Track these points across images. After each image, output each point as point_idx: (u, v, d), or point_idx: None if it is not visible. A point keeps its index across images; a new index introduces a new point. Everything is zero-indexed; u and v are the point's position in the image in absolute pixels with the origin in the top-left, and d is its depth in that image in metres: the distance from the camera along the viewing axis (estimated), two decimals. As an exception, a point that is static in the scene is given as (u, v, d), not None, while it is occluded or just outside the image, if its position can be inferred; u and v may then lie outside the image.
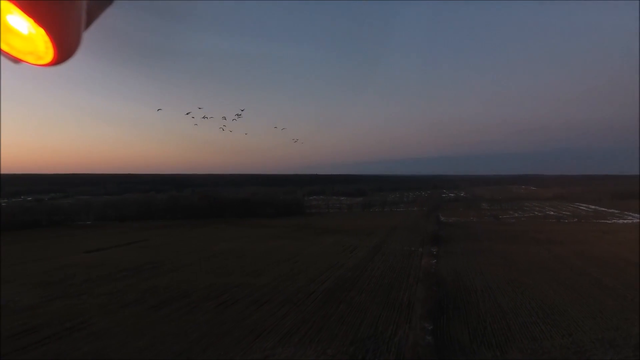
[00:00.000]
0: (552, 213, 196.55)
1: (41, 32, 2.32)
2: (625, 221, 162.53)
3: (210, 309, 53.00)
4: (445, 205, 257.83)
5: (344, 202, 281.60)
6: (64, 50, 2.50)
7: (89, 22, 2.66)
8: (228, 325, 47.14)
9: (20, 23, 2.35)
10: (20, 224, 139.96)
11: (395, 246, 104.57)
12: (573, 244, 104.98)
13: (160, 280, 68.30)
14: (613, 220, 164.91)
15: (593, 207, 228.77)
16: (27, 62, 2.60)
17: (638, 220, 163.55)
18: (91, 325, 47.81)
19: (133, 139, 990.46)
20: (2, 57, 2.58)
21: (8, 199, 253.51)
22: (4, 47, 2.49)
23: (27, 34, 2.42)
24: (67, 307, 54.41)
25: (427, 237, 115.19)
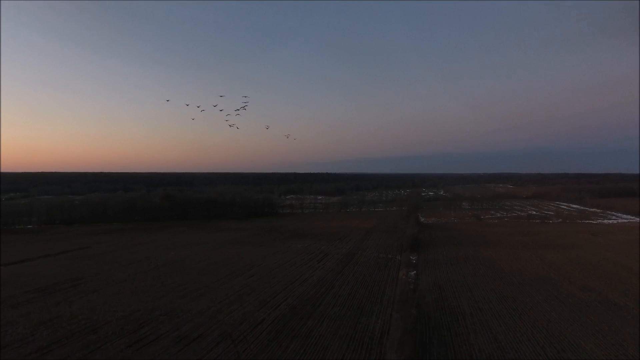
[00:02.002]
0: (534, 213, 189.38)
1: None
2: (610, 221, 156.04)
3: (117, 352, 39.25)
4: (425, 205, 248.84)
5: (321, 202, 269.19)
6: None
7: None
8: (129, 382, 33.70)
9: None
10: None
11: (370, 253, 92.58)
12: (564, 248, 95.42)
13: (71, 305, 53.81)
14: (598, 221, 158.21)
15: (574, 206, 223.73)
16: None
17: (623, 220, 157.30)
18: None
19: (108, 136, 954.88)
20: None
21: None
22: None
23: None
24: None
25: (405, 241, 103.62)
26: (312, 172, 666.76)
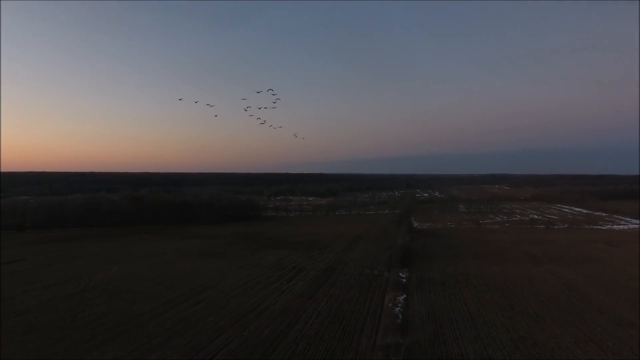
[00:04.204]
0: (536, 217, 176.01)
1: None
2: (621, 227, 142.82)
3: None
4: (419, 207, 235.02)
5: (311, 203, 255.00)
6: None
7: None
8: None
9: None
10: None
11: (353, 268, 78.07)
12: (580, 262, 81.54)
13: None
14: (607, 226, 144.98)
15: (577, 209, 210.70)
16: None
17: (634, 226, 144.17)
18: None
19: (101, 135, 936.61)
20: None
21: None
22: None
23: None
24: None
25: (396, 252, 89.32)
26: (305, 172, 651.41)
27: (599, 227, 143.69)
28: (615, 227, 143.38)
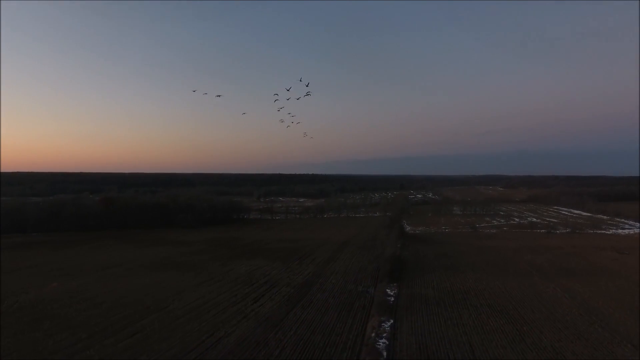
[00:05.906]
0: (535, 220, 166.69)
1: None
2: (626, 231, 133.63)
3: None
4: (412, 209, 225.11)
5: (300, 205, 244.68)
6: None
7: None
8: None
9: None
10: None
11: (335, 283, 67.54)
12: (592, 275, 71.70)
13: None
14: (611, 230, 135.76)
15: (576, 211, 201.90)
16: None
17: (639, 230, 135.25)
18: None
19: (95, 135, 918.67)
20: None
21: None
22: None
23: None
24: None
25: (384, 263, 78.92)
26: (299, 173, 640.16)
27: (603, 231, 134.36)
28: (620, 231, 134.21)
